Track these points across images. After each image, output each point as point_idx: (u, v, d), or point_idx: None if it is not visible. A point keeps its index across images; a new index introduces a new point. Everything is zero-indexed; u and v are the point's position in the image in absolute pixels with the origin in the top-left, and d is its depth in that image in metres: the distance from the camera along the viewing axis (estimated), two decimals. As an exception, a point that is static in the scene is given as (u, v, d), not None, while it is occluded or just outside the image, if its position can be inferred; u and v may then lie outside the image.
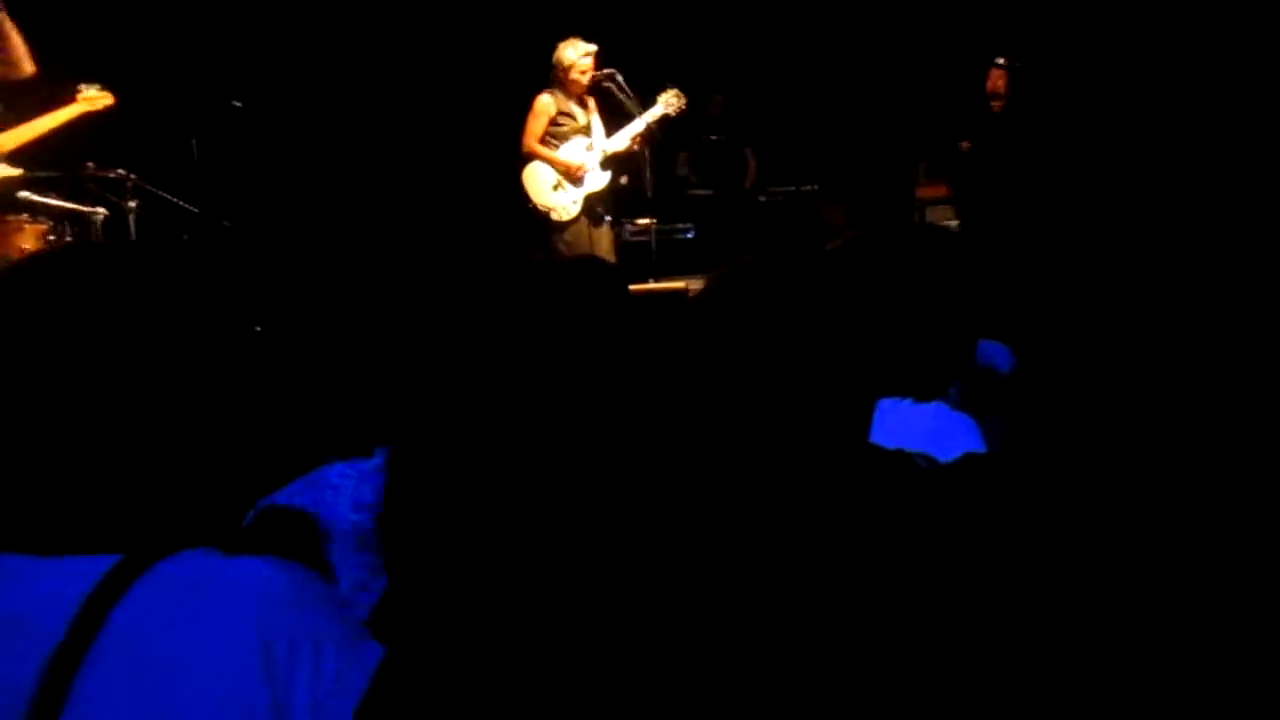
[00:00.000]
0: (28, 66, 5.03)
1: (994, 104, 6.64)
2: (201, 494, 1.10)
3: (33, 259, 1.10)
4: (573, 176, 6.21)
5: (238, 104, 6.25)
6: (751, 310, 1.33)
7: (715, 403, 1.31)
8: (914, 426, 1.68)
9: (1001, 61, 6.73)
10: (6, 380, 0.99)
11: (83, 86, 5.48)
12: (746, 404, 1.30)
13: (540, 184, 6.22)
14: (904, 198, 7.76)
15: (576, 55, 6.13)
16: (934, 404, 1.81)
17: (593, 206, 6.29)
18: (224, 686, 0.94)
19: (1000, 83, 6.67)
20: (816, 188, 7.94)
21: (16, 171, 5.29)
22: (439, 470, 1.12)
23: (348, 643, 0.99)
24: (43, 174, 5.49)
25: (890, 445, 1.39)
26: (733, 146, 8.39)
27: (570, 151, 6.22)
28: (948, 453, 1.33)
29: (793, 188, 8.04)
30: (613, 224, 6.62)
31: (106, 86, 5.57)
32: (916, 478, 1.25)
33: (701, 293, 1.40)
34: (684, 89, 6.37)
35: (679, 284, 6.28)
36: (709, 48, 8.22)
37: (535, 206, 6.24)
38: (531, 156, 6.21)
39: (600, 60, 6.24)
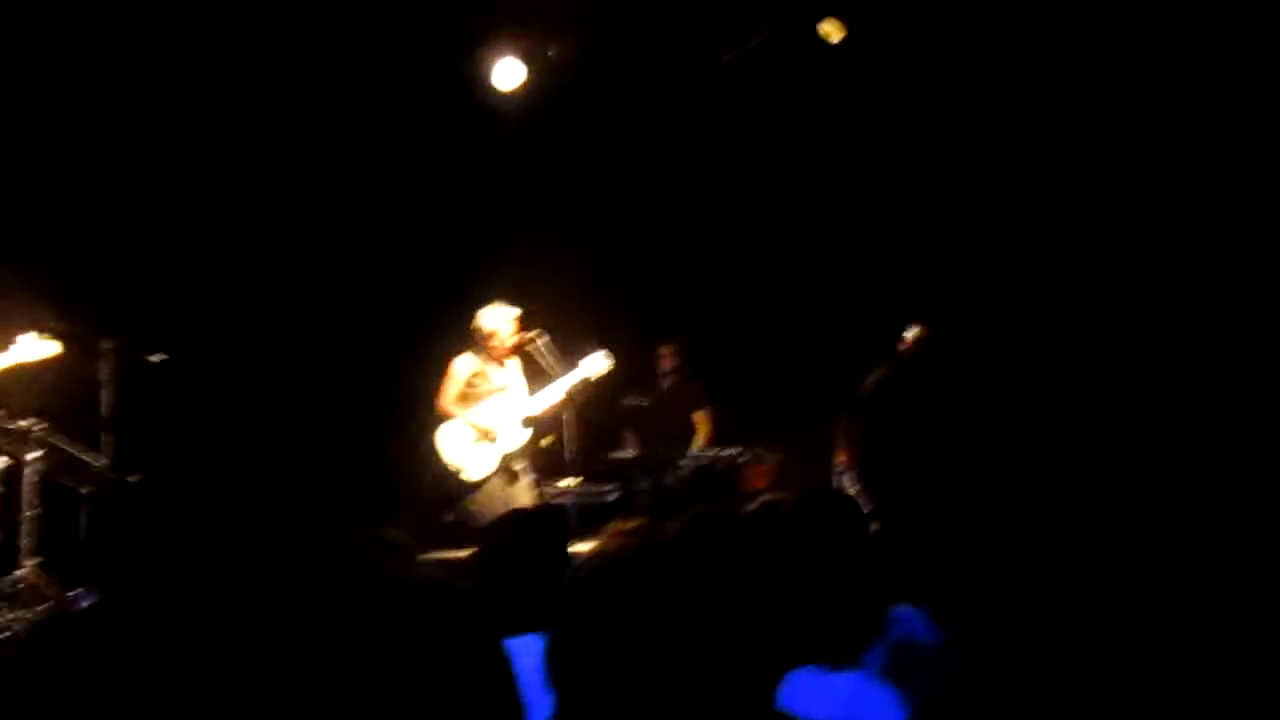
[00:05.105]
0: None
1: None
2: None
3: None
4: (487, 437, 6.19)
5: (156, 358, 6.19)
6: (648, 576, 1.27)
7: (616, 674, 1.24)
8: (830, 697, 1.60)
9: (914, 331, 7.01)
10: None
11: (23, 335, 5.30)
12: (648, 674, 1.22)
13: (453, 443, 6.20)
14: (825, 464, 7.83)
15: (497, 323, 6.24)
16: (850, 674, 1.74)
17: (508, 464, 6.24)
18: None
19: (911, 346, 6.95)
20: (740, 450, 7.97)
21: None
22: None
23: None
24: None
25: (806, 715, 1.31)
26: (681, 408, 8.36)
27: (485, 412, 6.23)
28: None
29: (715, 450, 8.07)
30: (536, 482, 6.55)
31: (52, 334, 5.37)
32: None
33: (595, 560, 1.33)
34: (639, 343, 6.45)
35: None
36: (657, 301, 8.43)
37: (447, 465, 6.18)
38: (446, 416, 6.21)
39: (525, 322, 6.36)
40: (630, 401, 8.10)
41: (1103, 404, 0.87)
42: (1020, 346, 0.92)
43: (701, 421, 8.41)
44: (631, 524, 1.38)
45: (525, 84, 7.36)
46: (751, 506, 3.25)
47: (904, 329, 7.14)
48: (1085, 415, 0.86)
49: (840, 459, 7.55)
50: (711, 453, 8.02)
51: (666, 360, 8.34)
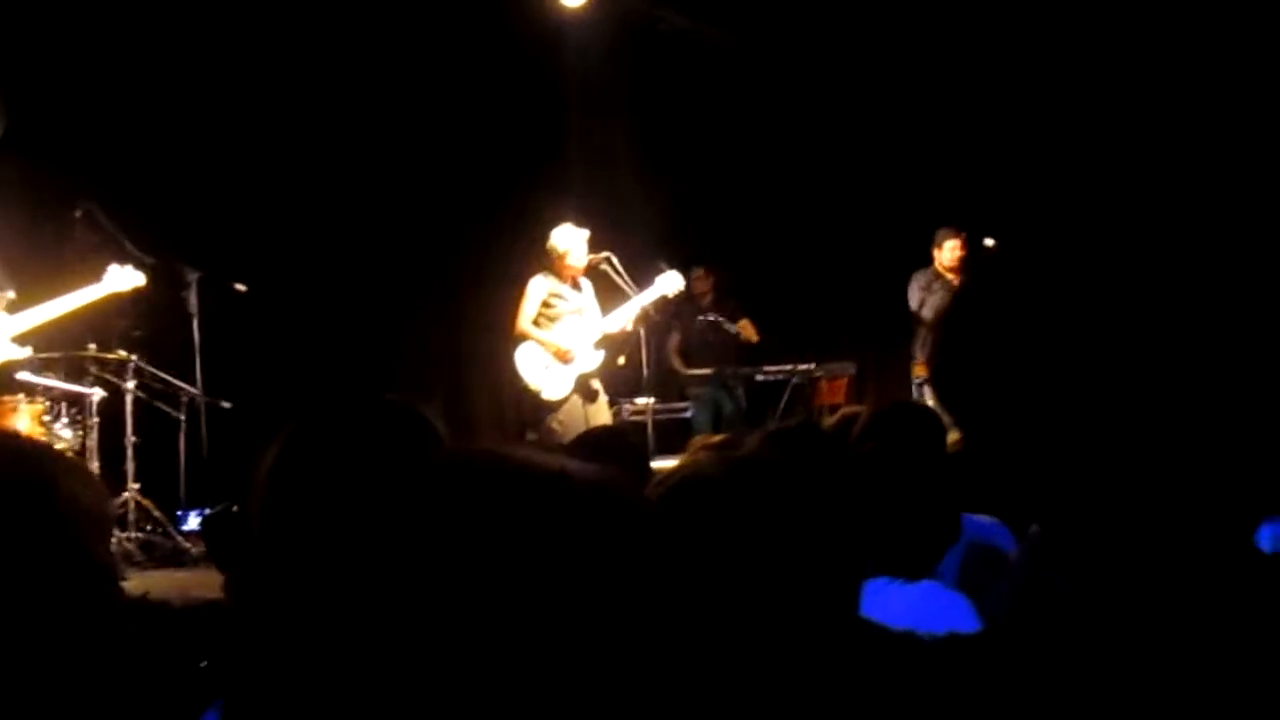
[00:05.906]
0: None
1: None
2: None
3: None
4: (563, 358, 6.25)
5: (241, 287, 6.33)
6: (731, 491, 1.29)
7: (697, 587, 1.27)
8: (905, 606, 1.63)
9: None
10: None
11: (112, 266, 5.51)
12: (733, 587, 1.25)
13: (531, 365, 6.27)
14: (902, 377, 7.77)
15: (570, 243, 6.26)
16: (924, 583, 1.77)
17: (586, 384, 6.31)
18: None
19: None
20: (814, 365, 7.95)
21: (22, 354, 5.31)
22: None
23: None
24: (44, 355, 5.52)
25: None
26: (722, 323, 8.33)
27: (562, 333, 6.28)
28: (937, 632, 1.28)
29: (790, 366, 8.04)
30: (611, 402, 6.62)
31: (138, 265, 5.59)
32: (911, 654, 1.20)
33: (679, 474, 1.36)
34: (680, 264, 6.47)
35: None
36: (699, 223, 8.39)
37: (526, 386, 6.27)
38: (523, 338, 6.28)
39: (595, 242, 6.37)
40: (706, 318, 8.13)
41: (1192, 313, 0.84)
42: (1102, 252, 0.90)
43: (747, 327, 8.35)
44: (713, 440, 1.40)
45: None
46: (831, 420, 3.27)
47: (939, 238, 7.17)
48: (1173, 326, 0.83)
49: (919, 371, 7.51)
50: (788, 367, 8.02)
51: (700, 282, 8.39)
